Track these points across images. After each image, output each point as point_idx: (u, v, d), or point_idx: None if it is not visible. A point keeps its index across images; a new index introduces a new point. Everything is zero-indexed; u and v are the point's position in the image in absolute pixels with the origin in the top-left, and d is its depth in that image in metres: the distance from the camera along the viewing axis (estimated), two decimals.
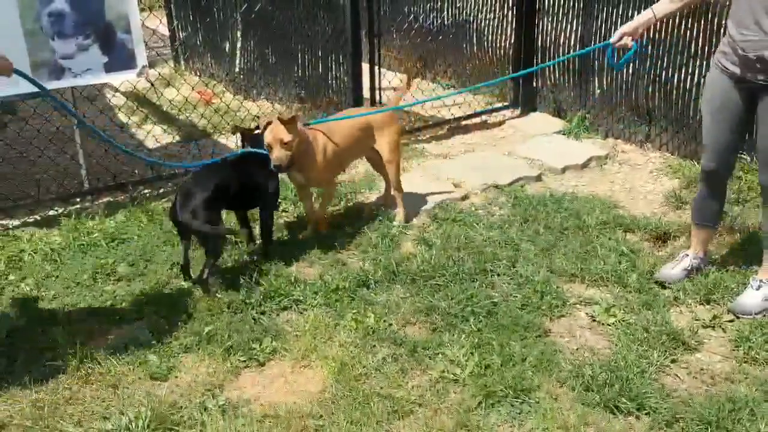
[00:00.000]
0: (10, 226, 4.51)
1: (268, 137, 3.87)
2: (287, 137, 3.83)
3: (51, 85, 4.45)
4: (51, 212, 4.68)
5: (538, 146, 5.79)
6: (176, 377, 3.16)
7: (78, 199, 4.86)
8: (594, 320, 3.55)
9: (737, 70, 3.35)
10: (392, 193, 4.60)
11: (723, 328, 3.46)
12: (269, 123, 3.90)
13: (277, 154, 3.84)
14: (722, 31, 3.49)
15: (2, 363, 3.21)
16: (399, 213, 4.54)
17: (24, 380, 3.09)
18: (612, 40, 3.71)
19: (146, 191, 5.05)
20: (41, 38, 4.29)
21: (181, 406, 2.96)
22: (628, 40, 3.66)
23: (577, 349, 3.34)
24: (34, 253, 4.15)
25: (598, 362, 3.17)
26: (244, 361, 3.25)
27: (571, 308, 3.65)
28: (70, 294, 3.77)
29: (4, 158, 5.11)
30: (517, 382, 3.03)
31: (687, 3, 3.57)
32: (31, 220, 4.61)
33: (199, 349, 3.32)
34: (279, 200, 4.33)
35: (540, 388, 3.04)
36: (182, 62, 8.20)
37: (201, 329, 3.41)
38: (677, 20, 5.17)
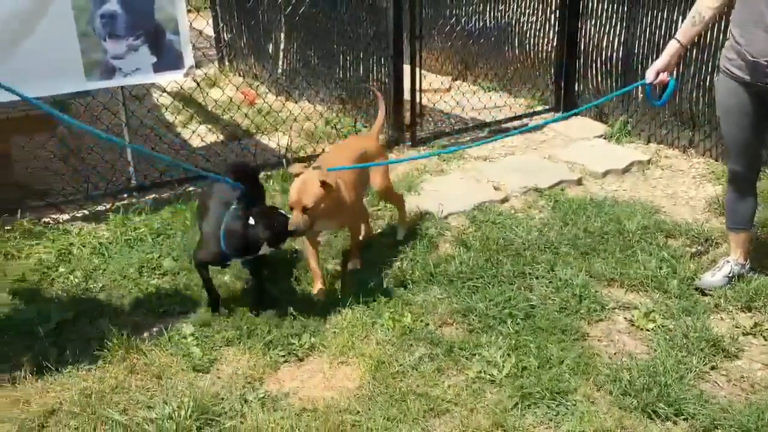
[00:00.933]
0: (61, 220, 4.66)
1: (292, 196, 3.38)
2: (311, 203, 3.32)
3: (102, 84, 4.61)
4: (99, 207, 4.82)
5: (579, 150, 5.76)
6: (218, 369, 3.25)
7: (125, 195, 5.01)
8: (633, 325, 3.53)
9: (744, 75, 3.33)
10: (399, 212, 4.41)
11: (764, 336, 3.41)
12: (299, 174, 3.44)
13: (296, 220, 3.33)
14: (727, 35, 3.44)
15: (53, 352, 3.32)
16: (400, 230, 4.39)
17: (73, 369, 3.21)
18: (648, 79, 3.63)
19: (191, 188, 5.16)
20: (94, 39, 4.41)
21: (223, 398, 3.03)
22: (664, 76, 3.60)
23: (615, 353, 3.33)
24: (83, 246, 4.28)
25: (636, 367, 3.15)
26: (284, 355, 3.32)
27: (609, 312, 3.63)
28: (117, 287, 3.89)
29: (55, 155, 5.27)
30: (554, 385, 3.04)
31: (708, 22, 3.51)
32: (80, 214, 4.75)
33: (240, 342, 3.39)
34: None
35: (577, 391, 3.04)
36: (227, 63, 8.35)
37: (242, 323, 3.49)
38: (722, 24, 5.09)
